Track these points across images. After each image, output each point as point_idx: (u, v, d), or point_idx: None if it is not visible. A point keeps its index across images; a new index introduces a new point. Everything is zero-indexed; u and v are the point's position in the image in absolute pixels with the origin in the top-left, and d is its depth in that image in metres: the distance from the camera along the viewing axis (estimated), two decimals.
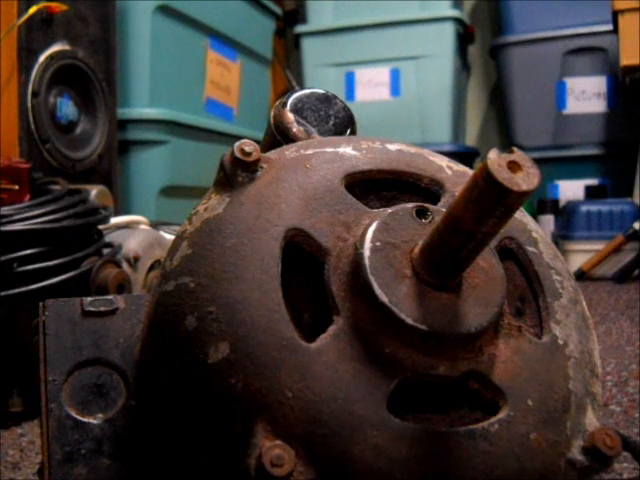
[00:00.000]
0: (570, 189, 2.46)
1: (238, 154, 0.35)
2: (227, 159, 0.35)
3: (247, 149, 0.35)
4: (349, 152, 0.37)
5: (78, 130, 1.34)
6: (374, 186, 0.37)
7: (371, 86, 2.52)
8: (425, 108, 2.45)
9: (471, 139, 2.93)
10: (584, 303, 0.38)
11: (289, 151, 0.38)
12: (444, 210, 0.32)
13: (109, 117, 1.40)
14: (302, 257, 0.33)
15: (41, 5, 1.19)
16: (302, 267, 0.34)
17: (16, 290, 0.80)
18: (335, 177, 0.36)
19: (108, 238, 0.98)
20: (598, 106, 2.42)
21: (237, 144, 0.35)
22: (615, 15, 1.95)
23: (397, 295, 0.31)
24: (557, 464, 0.32)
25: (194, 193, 1.78)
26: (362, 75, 2.53)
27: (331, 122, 0.43)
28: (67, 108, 1.30)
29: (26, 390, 0.82)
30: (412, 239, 0.33)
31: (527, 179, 0.26)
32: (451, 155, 0.44)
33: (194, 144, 1.80)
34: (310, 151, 0.37)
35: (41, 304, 0.39)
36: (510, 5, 2.49)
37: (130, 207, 1.63)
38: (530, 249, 0.37)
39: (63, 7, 1.23)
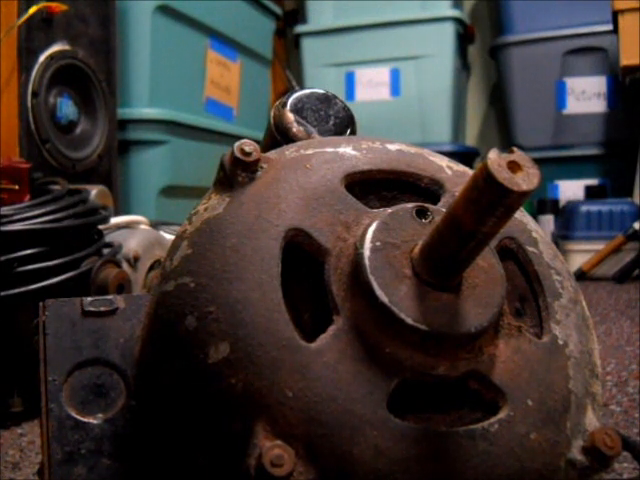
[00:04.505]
0: (570, 189, 2.46)
1: (238, 154, 0.35)
2: (227, 159, 0.35)
3: (247, 149, 0.35)
4: (349, 152, 0.37)
5: (78, 130, 1.34)
6: (374, 186, 0.37)
7: (371, 86, 2.52)
8: (425, 108, 2.45)
9: (471, 139, 2.93)
10: (584, 303, 0.38)
11: (289, 151, 0.37)
12: (444, 210, 0.32)
13: (109, 117, 1.40)
14: (302, 257, 0.33)
15: (41, 5, 1.19)
16: (302, 267, 0.34)
17: (16, 290, 0.80)
18: (335, 177, 0.36)
19: (108, 238, 0.98)
20: (598, 106, 2.43)
21: (237, 144, 0.35)
22: (615, 15, 1.95)
23: (397, 295, 0.31)
24: (557, 464, 0.32)
25: (194, 193, 1.78)
26: (362, 75, 2.53)
27: (331, 122, 0.43)
28: (67, 108, 1.30)
29: (26, 390, 0.82)
30: (412, 239, 0.33)
31: (527, 179, 0.26)
32: (451, 155, 0.44)
33: (194, 144, 1.80)
34: (310, 151, 0.37)
35: (41, 304, 0.39)
36: (510, 5, 2.49)
37: (130, 207, 1.63)
38: (530, 249, 0.37)
39: (63, 7, 1.23)
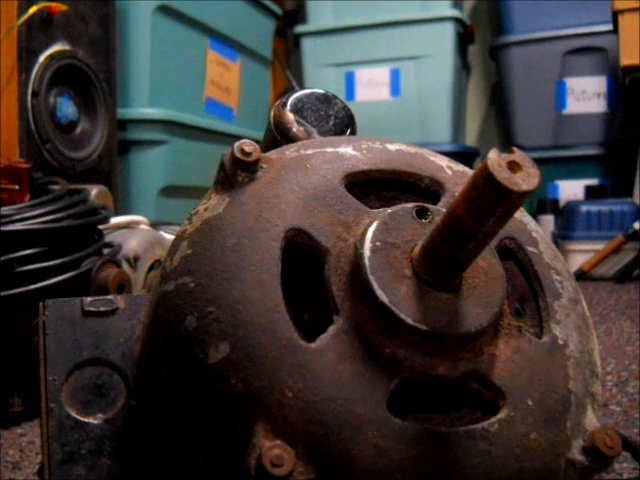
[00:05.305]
0: (570, 189, 2.46)
1: (238, 154, 0.35)
2: (227, 159, 0.35)
3: (247, 149, 0.35)
4: (349, 152, 0.37)
5: (78, 130, 1.34)
6: (374, 186, 0.37)
7: (371, 86, 2.52)
8: (425, 108, 2.45)
9: (471, 139, 2.93)
10: (584, 303, 0.38)
11: (289, 151, 0.37)
12: (444, 210, 0.32)
13: (109, 117, 1.40)
14: (302, 257, 0.33)
15: (41, 5, 1.19)
16: (302, 267, 0.34)
17: (16, 290, 0.80)
18: (335, 177, 0.36)
19: (108, 238, 0.98)
20: (598, 106, 2.43)
21: (237, 144, 0.35)
22: (615, 15, 1.95)
23: (397, 295, 0.31)
24: (557, 464, 0.32)
25: (194, 193, 1.78)
26: (362, 75, 2.53)
27: (331, 122, 0.43)
28: (67, 108, 1.30)
29: (26, 390, 0.82)
30: (412, 239, 0.33)
31: (527, 179, 0.26)
32: (451, 155, 0.44)
33: (194, 144, 1.80)
34: (310, 151, 0.37)
35: (41, 304, 0.39)
36: (510, 5, 2.49)
37: (130, 207, 1.63)
38: (530, 249, 0.37)
39: (63, 7, 1.23)
